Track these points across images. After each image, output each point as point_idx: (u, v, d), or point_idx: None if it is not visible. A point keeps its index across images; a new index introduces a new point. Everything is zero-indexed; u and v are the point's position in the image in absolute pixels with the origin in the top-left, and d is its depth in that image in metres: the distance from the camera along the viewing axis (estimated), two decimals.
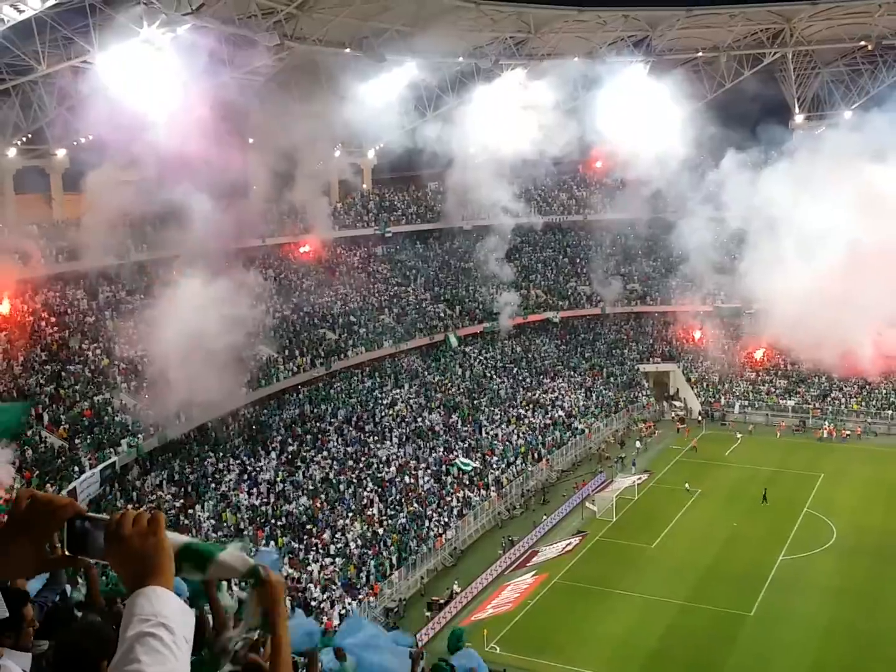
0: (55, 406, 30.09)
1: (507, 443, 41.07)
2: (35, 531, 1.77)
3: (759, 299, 44.92)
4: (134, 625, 1.52)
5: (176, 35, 31.45)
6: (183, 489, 31.39)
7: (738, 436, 45.26)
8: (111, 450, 29.44)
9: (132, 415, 31.24)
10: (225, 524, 30.31)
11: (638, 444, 44.14)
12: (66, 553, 1.77)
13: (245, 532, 29.96)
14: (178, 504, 30.38)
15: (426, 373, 45.08)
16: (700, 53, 53.24)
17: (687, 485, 37.84)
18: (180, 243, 32.10)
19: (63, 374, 31.61)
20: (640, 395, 50.40)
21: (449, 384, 44.73)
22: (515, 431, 42.27)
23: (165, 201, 32.27)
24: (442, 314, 48.63)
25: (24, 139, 35.45)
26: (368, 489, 34.53)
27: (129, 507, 29.50)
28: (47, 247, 33.34)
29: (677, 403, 50.39)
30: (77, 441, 28.97)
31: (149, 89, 31.11)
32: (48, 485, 25.92)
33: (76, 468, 27.68)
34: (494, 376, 47.01)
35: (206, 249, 31.07)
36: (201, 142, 29.27)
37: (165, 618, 1.54)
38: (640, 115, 47.19)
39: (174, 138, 29.28)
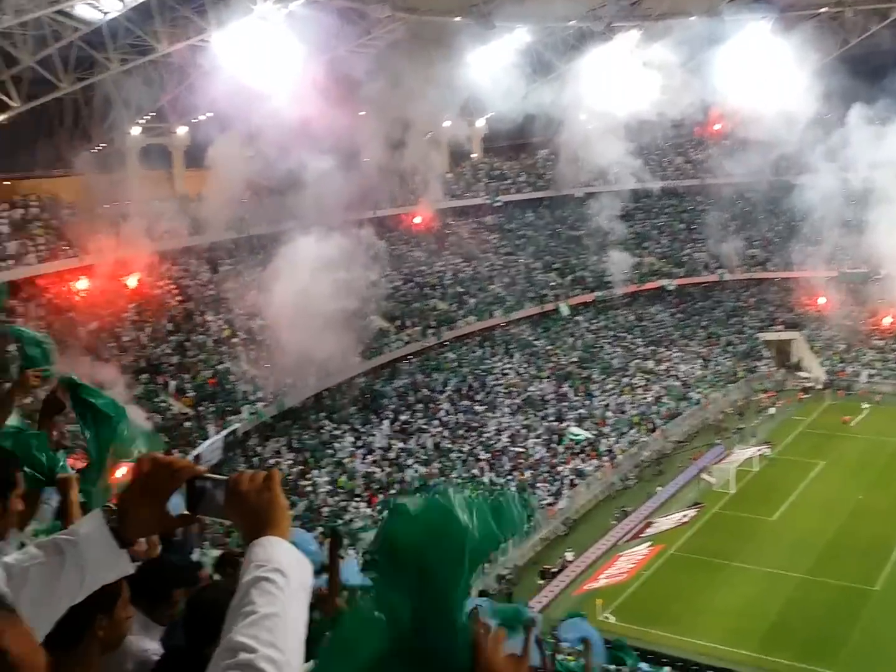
0: (181, 375, 31.35)
1: (619, 413, 40.56)
2: (157, 492, 1.88)
3: (887, 264, 42.76)
4: (250, 570, 1.62)
5: (289, 10, 31.88)
6: (300, 455, 32.32)
7: (865, 406, 43.36)
8: (233, 417, 30.52)
9: (252, 383, 32.27)
10: (341, 489, 31.06)
11: (763, 414, 42.78)
12: (187, 512, 1.88)
13: (360, 497, 30.69)
14: (295, 470, 31.32)
15: (537, 342, 44.87)
16: (825, 9, 50.57)
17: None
18: (296, 216, 32.74)
19: (187, 344, 32.89)
20: (760, 364, 48.83)
21: (560, 353, 44.41)
22: (629, 401, 41.69)
23: (282, 175, 32.98)
24: (553, 283, 48.21)
25: (147, 118, 36.71)
26: (480, 458, 34.76)
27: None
28: (171, 222, 34.53)
29: (802, 374, 48.47)
30: (201, 409, 30.14)
31: (264, 65, 31.73)
32: (175, 451, 27.09)
33: (201, 435, 28.83)
34: (606, 345, 46.40)
35: (321, 221, 31.60)
36: (315, 115, 29.72)
37: (279, 563, 1.63)
38: (762, 73, 45.29)
39: (289, 112, 29.83)
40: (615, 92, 44.64)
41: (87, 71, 32.50)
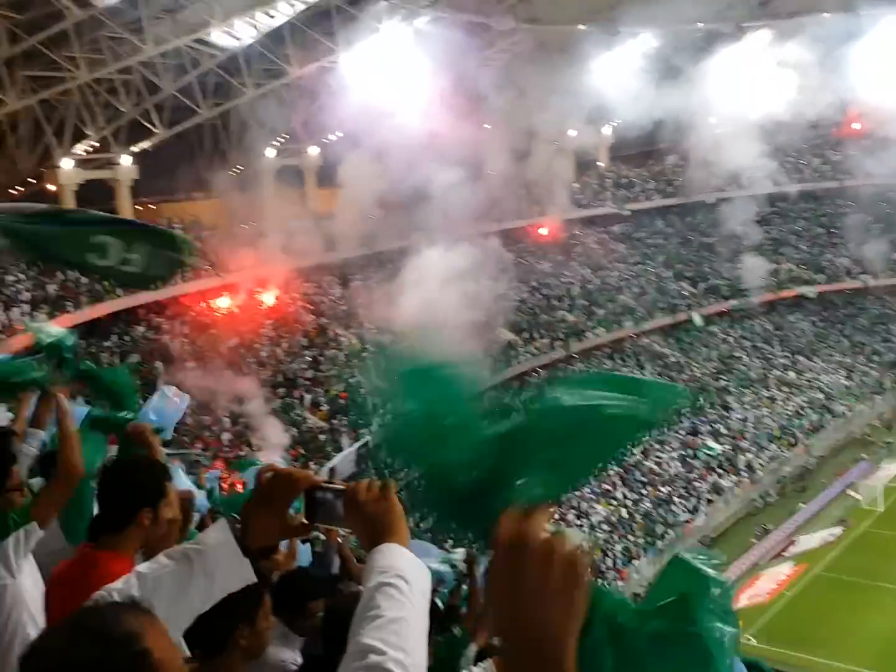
0: (315, 389, 32.15)
1: (758, 426, 39.07)
2: (277, 502, 1.95)
3: None
4: (373, 577, 1.67)
5: (414, 27, 32.40)
6: None
7: None
8: (365, 430, 31.04)
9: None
10: None
11: None
12: (305, 521, 1.96)
13: None
14: None
15: (669, 353, 43.81)
16: None
17: None
18: (424, 230, 33.12)
19: (321, 358, 33.72)
20: None
21: (694, 365, 43.22)
22: (768, 414, 40.12)
23: (409, 190, 33.48)
24: (685, 292, 47.02)
25: (281, 139, 37.98)
26: (612, 471, 34.13)
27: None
28: (304, 240, 35.56)
29: None
30: (334, 422, 30.80)
31: (390, 82, 32.34)
32: (311, 463, 27.77)
33: (335, 448, 29.45)
34: (743, 356, 44.84)
35: (448, 234, 31.86)
36: (441, 129, 30.04)
37: (401, 570, 1.69)
38: None
39: (416, 128, 30.25)
40: (747, 93, 43.28)
41: (223, 96, 33.98)
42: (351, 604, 2.12)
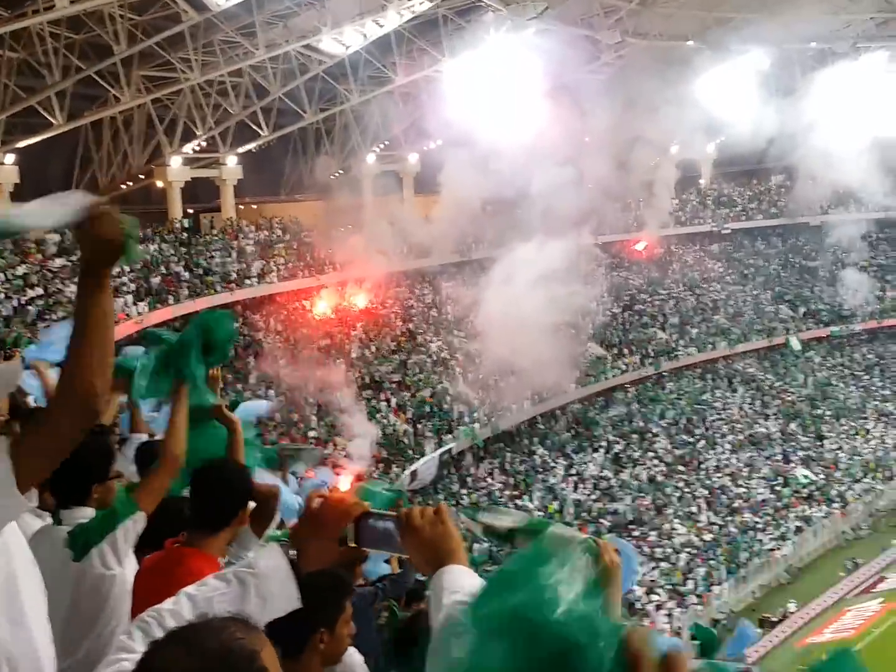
0: (401, 392, 32.46)
1: (853, 457, 37.69)
2: (329, 528, 2.01)
3: None
4: (446, 595, 1.76)
5: (521, 39, 32.44)
6: (512, 479, 32.46)
7: None
8: (449, 435, 31.18)
9: (468, 404, 32.84)
10: (552, 518, 30.86)
11: None
12: (355, 546, 2.01)
13: (571, 525, 30.35)
14: (506, 493, 31.48)
15: (763, 377, 42.67)
16: None
17: None
18: (519, 241, 33.06)
19: (408, 363, 34.02)
20: None
21: (789, 390, 41.98)
22: (864, 445, 38.67)
23: (506, 200, 33.54)
24: (783, 316, 45.74)
25: (382, 146, 38.51)
26: (697, 494, 33.42)
27: (463, 491, 31.14)
28: (399, 246, 35.96)
29: None
30: (419, 426, 31.03)
31: (494, 92, 32.43)
32: (393, 465, 28.04)
33: (418, 452, 29.66)
34: (841, 384, 43.34)
35: (543, 247, 31.74)
36: (543, 140, 30.00)
37: (471, 588, 1.74)
38: None
39: (517, 139, 30.28)
40: (858, 114, 41.88)
41: (329, 101, 34.64)
42: (420, 621, 2.20)
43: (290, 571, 2.01)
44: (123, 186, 32.41)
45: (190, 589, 1.99)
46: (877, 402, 42.23)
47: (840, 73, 43.23)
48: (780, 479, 35.14)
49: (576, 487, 32.66)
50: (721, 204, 49.92)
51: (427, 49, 33.26)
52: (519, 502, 31.11)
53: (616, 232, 43.91)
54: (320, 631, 2.73)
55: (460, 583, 1.80)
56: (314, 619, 2.66)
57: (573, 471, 33.65)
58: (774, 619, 27.46)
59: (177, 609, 1.92)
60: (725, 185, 51.24)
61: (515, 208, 34.25)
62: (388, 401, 31.72)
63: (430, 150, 37.99)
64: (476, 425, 32.12)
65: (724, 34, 38.87)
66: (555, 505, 31.33)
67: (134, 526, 3.13)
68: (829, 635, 26.11)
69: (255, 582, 1.97)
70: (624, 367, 38.81)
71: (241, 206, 36.58)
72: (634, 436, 36.43)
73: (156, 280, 28.57)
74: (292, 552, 2.08)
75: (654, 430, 37.03)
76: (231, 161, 34.03)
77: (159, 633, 1.77)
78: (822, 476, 35.63)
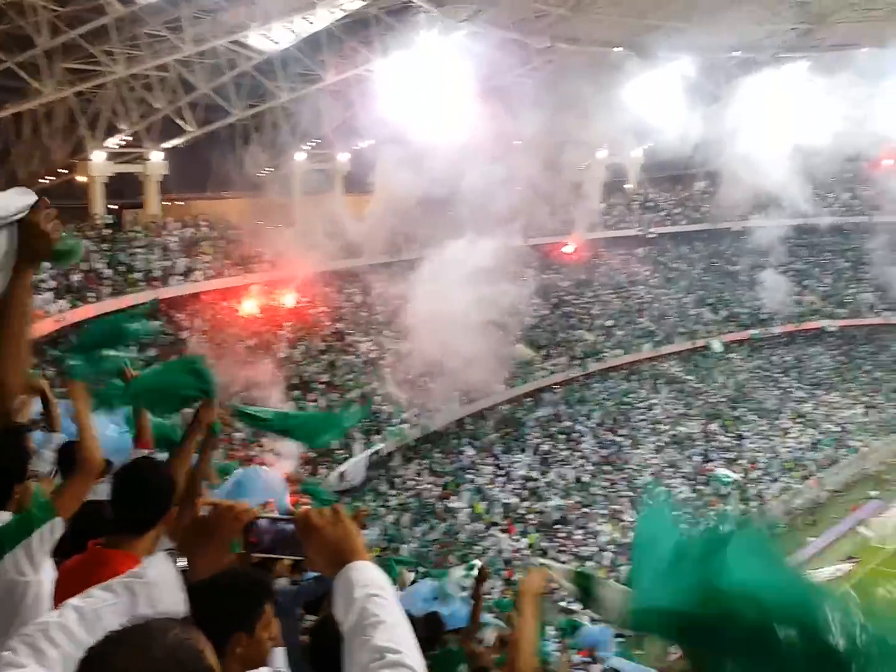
0: (330, 393, 32.25)
1: (772, 457, 38.80)
2: (219, 535, 2.01)
3: None
4: (357, 590, 1.77)
5: (451, 40, 32.54)
6: (441, 479, 32.55)
7: None
8: (378, 436, 31.10)
9: (397, 404, 32.81)
10: (480, 518, 31.04)
11: None
12: (246, 553, 2.03)
13: (498, 525, 30.58)
14: (435, 493, 31.56)
15: (686, 378, 43.63)
16: None
17: None
18: (447, 242, 33.15)
19: (337, 363, 33.82)
20: None
21: (710, 391, 43.01)
22: (782, 445, 39.84)
23: (435, 201, 33.56)
24: (705, 319, 46.83)
25: (312, 144, 38.20)
26: (622, 494, 33.99)
27: (392, 492, 31.10)
28: (328, 245, 35.69)
29: None
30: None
31: (423, 94, 32.48)
32: (322, 468, 27.84)
33: (346, 453, 29.50)
34: (760, 386, 44.58)
35: (471, 248, 31.89)
36: (471, 143, 30.14)
37: (381, 582, 1.81)
38: None
39: (445, 140, 30.37)
40: (779, 124, 43.10)
41: (257, 98, 34.23)
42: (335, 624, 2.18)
43: (179, 579, 1.98)
44: (44, 181, 31.50)
45: (75, 601, 1.94)
46: (794, 403, 43.55)
47: (762, 82, 44.44)
48: (701, 478, 35.97)
49: (503, 487, 32.89)
50: (647, 208, 50.85)
51: (358, 48, 33.12)
52: (447, 503, 31.22)
53: (545, 234, 44.35)
54: (238, 635, 2.69)
55: (369, 577, 1.82)
56: (231, 622, 2.61)
57: (501, 471, 33.88)
58: None
59: (63, 622, 1.86)
60: (652, 189, 52.18)
61: (446, 208, 34.30)
62: (316, 401, 31.48)
63: (361, 150, 37.85)
64: (405, 426, 32.12)
65: (653, 41, 39.58)
66: (483, 505, 31.52)
67: (51, 532, 3.01)
68: None
69: (144, 591, 1.93)
70: (552, 368, 39.24)
71: (167, 203, 35.89)
72: (562, 436, 36.87)
73: (77, 277, 27.85)
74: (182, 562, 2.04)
75: (581, 431, 37.53)
76: (156, 156, 33.37)
77: (46, 647, 1.74)
78: (741, 475, 36.57)
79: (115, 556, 2.92)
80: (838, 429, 42.17)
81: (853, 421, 43.22)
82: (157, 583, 1.96)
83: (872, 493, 37.61)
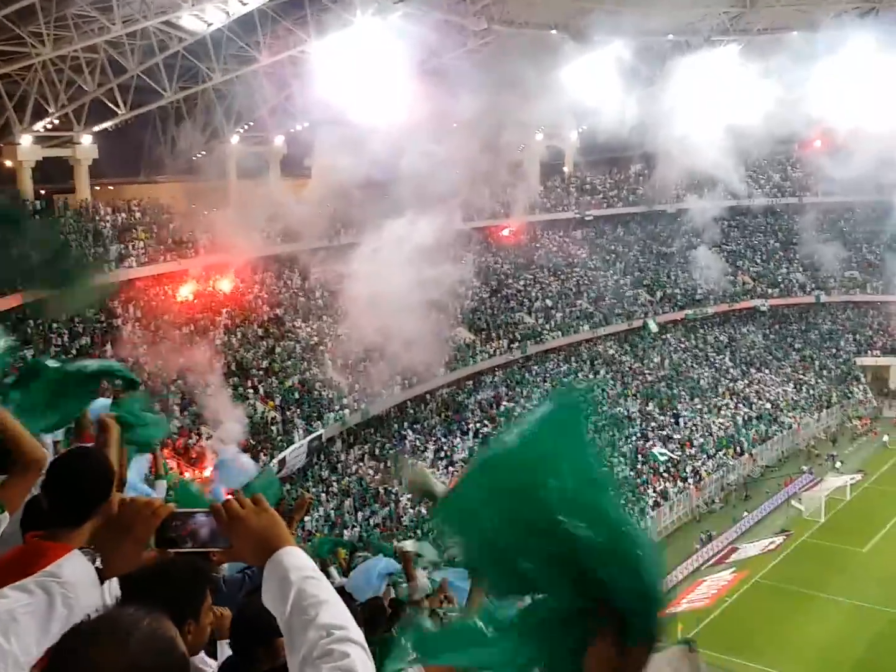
0: (269, 379, 31.96)
1: (707, 434, 39.67)
2: (135, 531, 1.97)
3: None
4: (292, 573, 1.79)
5: (387, 22, 32.28)
6: (383, 464, 32.56)
7: None
8: (319, 422, 30.95)
9: (338, 390, 32.68)
10: (422, 502, 31.15)
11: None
12: (159, 548, 1.97)
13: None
14: (377, 478, 31.57)
15: (623, 359, 44.28)
16: None
17: None
18: (387, 226, 33.03)
19: (276, 349, 33.51)
20: (856, 389, 47.15)
21: (647, 371, 43.73)
22: (716, 423, 40.75)
23: (374, 185, 33.40)
24: (641, 300, 47.54)
25: (246, 127, 37.64)
26: None
27: (333, 478, 31.02)
28: (265, 230, 35.28)
29: None
30: (287, 413, 30.65)
31: (360, 75, 32.21)
32: (262, 453, 27.61)
33: (287, 439, 29.31)
34: (695, 365, 45.48)
35: (411, 232, 31.83)
36: (409, 125, 30.03)
37: (311, 565, 1.84)
38: (866, 90, 43.77)
39: (383, 123, 30.21)
40: (712, 107, 43.78)
41: (190, 80, 33.55)
42: (257, 606, 2.19)
43: (96, 578, 1.96)
44: None
45: None
46: (728, 382, 44.55)
47: (696, 65, 45.02)
48: (639, 457, 36.62)
49: (445, 470, 33.03)
50: (584, 191, 51.30)
51: (292, 29, 32.65)
52: (388, 487, 31.26)
53: (484, 217, 44.47)
54: (188, 622, 2.70)
55: (301, 562, 1.83)
56: (184, 610, 2.62)
57: (442, 454, 34.02)
58: None
59: None
60: (588, 172, 52.64)
61: (384, 191, 34.13)
62: (255, 388, 31.18)
63: (298, 132, 37.40)
64: (346, 411, 32.01)
65: (588, 24, 39.81)
66: None
67: None
68: (685, 605, 27.46)
69: (60, 591, 1.89)
70: (492, 352, 39.46)
71: (98, 188, 35.05)
72: (502, 419, 37.14)
73: None
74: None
75: (522, 413, 37.80)
76: (86, 140, 32.51)
77: None
78: (678, 453, 37.34)
79: (54, 547, 2.88)
80: (770, 406, 43.29)
81: (785, 398, 44.40)
82: (73, 582, 1.92)
83: (804, 467, 38.78)
